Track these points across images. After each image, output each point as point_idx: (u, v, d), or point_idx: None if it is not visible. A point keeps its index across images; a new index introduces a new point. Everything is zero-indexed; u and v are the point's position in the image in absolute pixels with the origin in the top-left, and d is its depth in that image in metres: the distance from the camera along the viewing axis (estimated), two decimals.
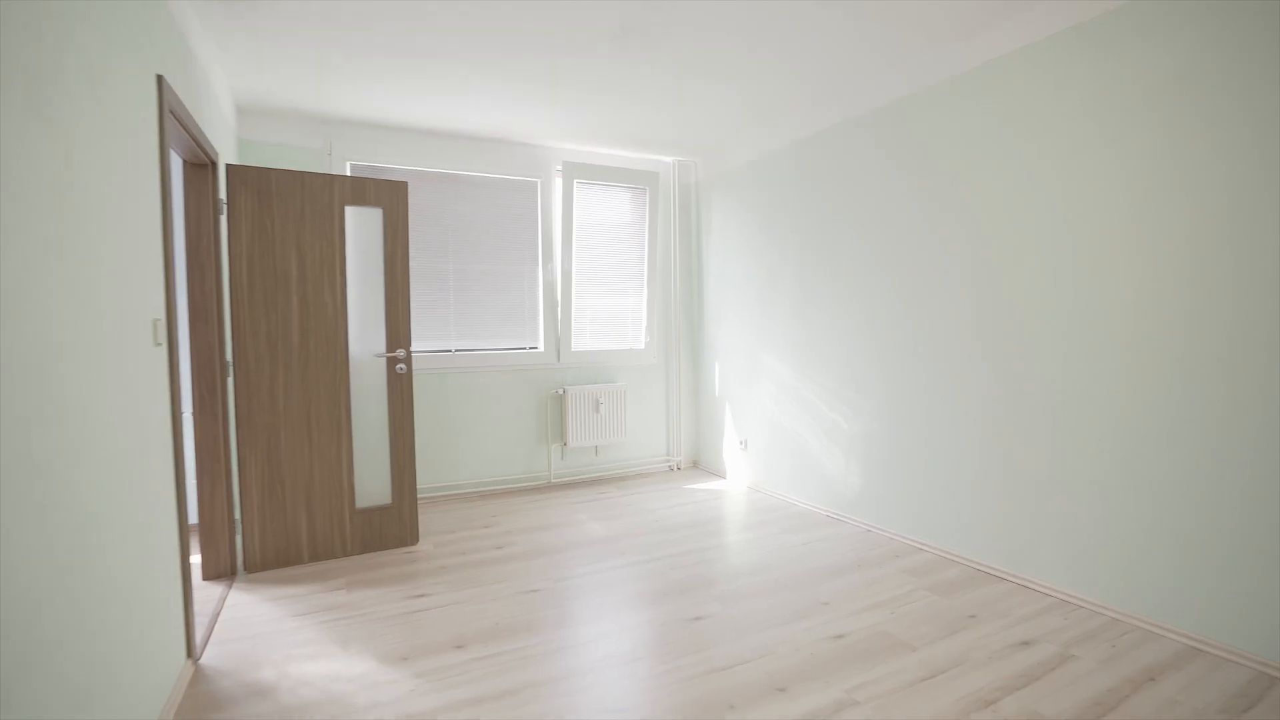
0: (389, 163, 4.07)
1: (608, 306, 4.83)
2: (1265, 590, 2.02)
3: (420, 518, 3.82)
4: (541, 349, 4.60)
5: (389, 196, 3.23)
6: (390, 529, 3.29)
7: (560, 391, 4.59)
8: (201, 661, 2.16)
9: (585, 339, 4.75)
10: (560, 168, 4.51)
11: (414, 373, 4.10)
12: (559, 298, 4.59)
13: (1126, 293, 2.35)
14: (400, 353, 3.29)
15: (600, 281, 4.78)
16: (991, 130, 2.79)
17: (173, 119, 2.16)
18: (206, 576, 2.89)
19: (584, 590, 2.76)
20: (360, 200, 3.17)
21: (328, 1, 2.42)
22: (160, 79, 1.99)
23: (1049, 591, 2.62)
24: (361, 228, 3.23)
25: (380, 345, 3.29)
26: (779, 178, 4.12)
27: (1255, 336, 2.01)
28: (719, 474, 4.88)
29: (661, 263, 4.99)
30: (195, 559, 2.95)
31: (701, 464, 5.14)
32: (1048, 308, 2.61)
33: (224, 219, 2.91)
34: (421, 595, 2.71)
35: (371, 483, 3.29)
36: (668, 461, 5.09)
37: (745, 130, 4.13)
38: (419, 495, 4.17)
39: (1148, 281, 2.28)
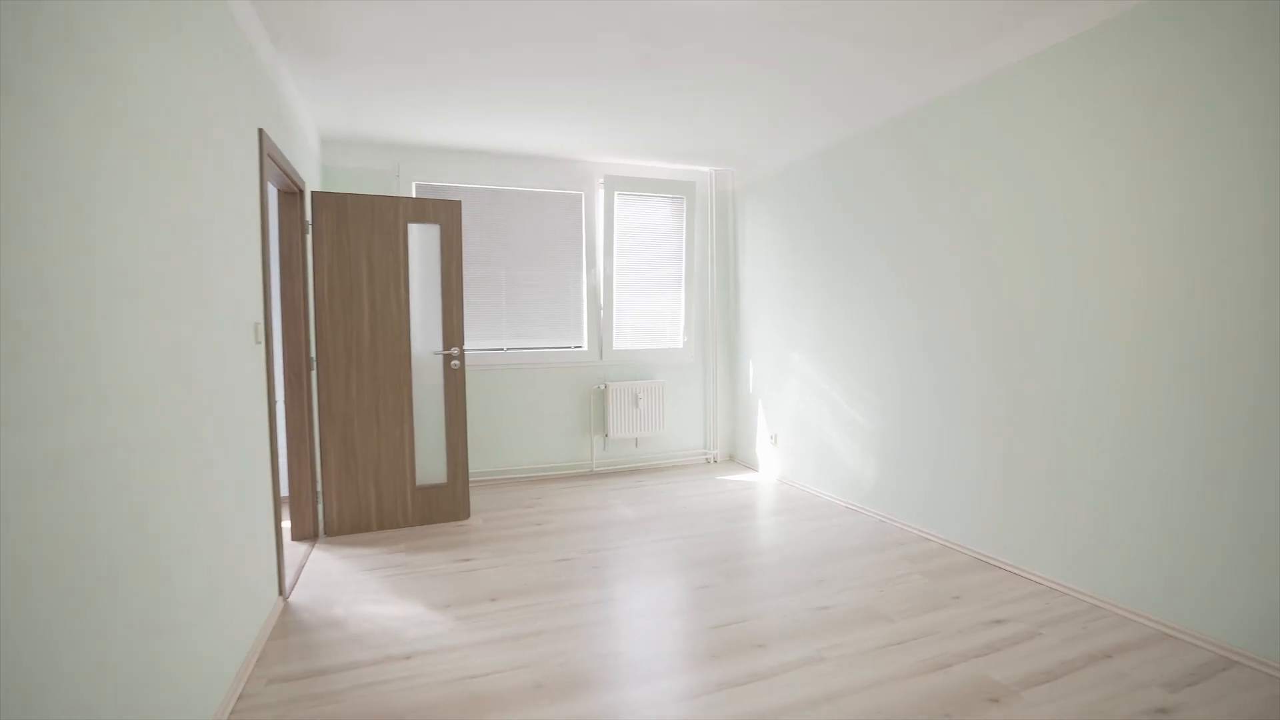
0: (449, 181, 4.57)
1: (647, 308, 5.18)
2: (1237, 579, 2.12)
3: (472, 497, 4.30)
4: (585, 348, 5.00)
5: (445, 214, 3.70)
6: (445, 505, 3.77)
7: (602, 387, 4.98)
8: (290, 599, 2.67)
9: (626, 338, 5.12)
10: (602, 180, 4.89)
11: (469, 369, 4.60)
12: (601, 300, 4.97)
13: (1124, 294, 2.43)
14: (454, 350, 3.76)
15: (640, 285, 5.13)
16: (995, 136, 2.93)
17: (270, 160, 2.67)
18: (295, 538, 3.44)
19: (607, 562, 3.12)
20: (421, 218, 3.65)
21: (397, 50, 2.89)
22: (261, 132, 2.48)
23: (1039, 580, 2.77)
24: (422, 241, 3.71)
25: (438, 344, 3.76)
26: (804, 186, 4.35)
27: (1249, 338, 2.07)
28: (752, 467, 5.14)
29: (699, 266, 5.29)
30: (287, 524, 3.52)
31: (737, 458, 5.40)
32: (1048, 309, 2.73)
33: (309, 237, 3.44)
34: (467, 560, 3.15)
35: (430, 464, 3.77)
36: (704, 454, 5.39)
37: (771, 142, 4.38)
38: (472, 478, 4.66)
39: (1145, 281, 2.35)
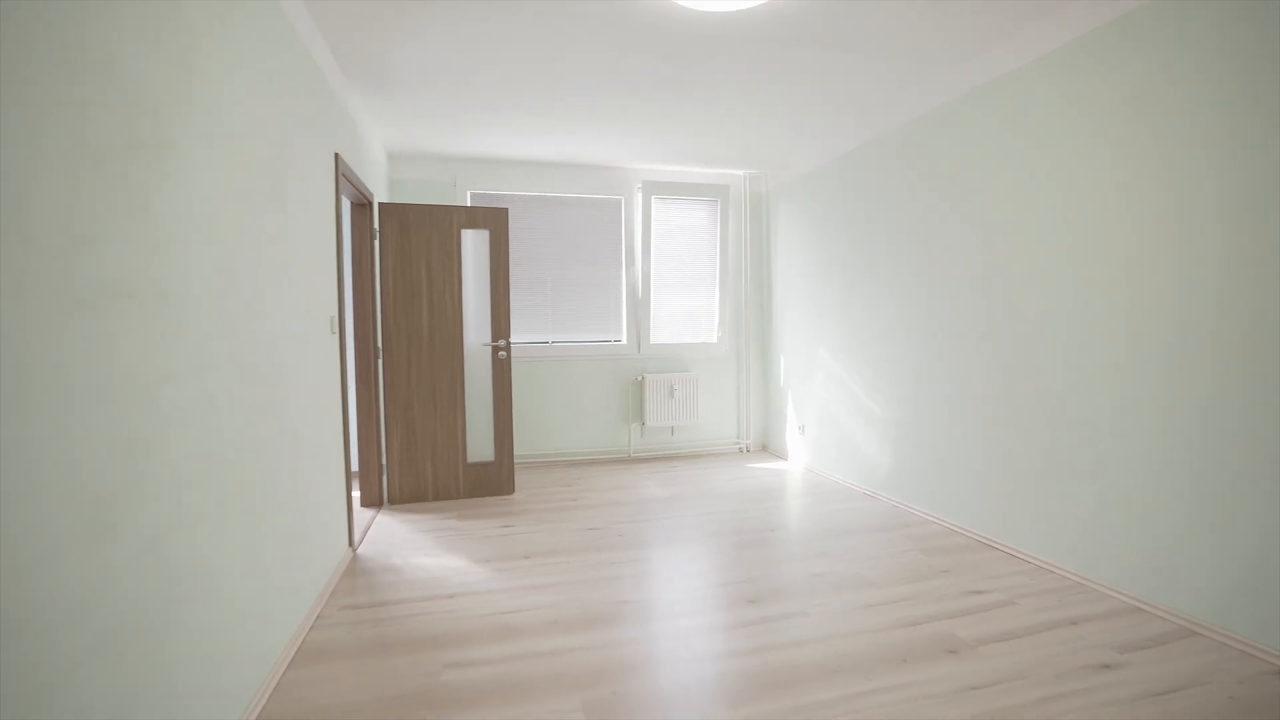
0: (501, 189, 5.02)
1: (683, 304, 5.50)
2: (1210, 560, 2.27)
3: (517, 476, 4.74)
4: (624, 341, 5.37)
5: (494, 220, 4.13)
6: (492, 480, 4.21)
7: (640, 378, 5.33)
8: (358, 550, 3.16)
9: (662, 333, 5.45)
10: (640, 185, 5.24)
11: (517, 360, 5.05)
12: (640, 297, 5.33)
13: (1121, 295, 2.53)
14: (502, 342, 4.19)
15: (676, 282, 5.45)
16: (996, 138, 3.09)
17: (344, 179, 3.15)
18: (364, 504, 3.96)
19: (632, 531, 3.47)
20: (472, 224, 4.10)
21: (450, 76, 3.32)
22: (336, 156, 2.96)
23: (1031, 560, 2.94)
24: (474, 244, 4.16)
25: (487, 336, 4.21)
26: (827, 188, 4.57)
27: (1242, 339, 2.14)
28: (782, 456, 5.38)
29: (733, 265, 5.56)
30: (357, 493, 4.04)
31: (769, 447, 5.65)
32: (1048, 308, 2.86)
33: (377, 243, 3.94)
34: (508, 526, 3.57)
35: (479, 444, 4.22)
36: (737, 444, 5.67)
37: (796, 147, 4.62)
38: (518, 460, 5.11)
39: (1142, 284, 2.45)
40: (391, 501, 4.03)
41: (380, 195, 4.32)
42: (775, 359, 5.48)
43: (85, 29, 1.15)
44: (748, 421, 5.65)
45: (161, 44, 1.42)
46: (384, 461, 4.08)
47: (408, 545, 3.26)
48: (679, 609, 2.52)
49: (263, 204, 2.03)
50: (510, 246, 4.92)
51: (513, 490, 4.28)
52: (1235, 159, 2.16)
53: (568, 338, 5.25)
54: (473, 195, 5.00)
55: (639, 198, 5.27)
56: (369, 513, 3.82)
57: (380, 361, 4.01)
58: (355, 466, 4.30)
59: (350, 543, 3.13)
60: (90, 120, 1.17)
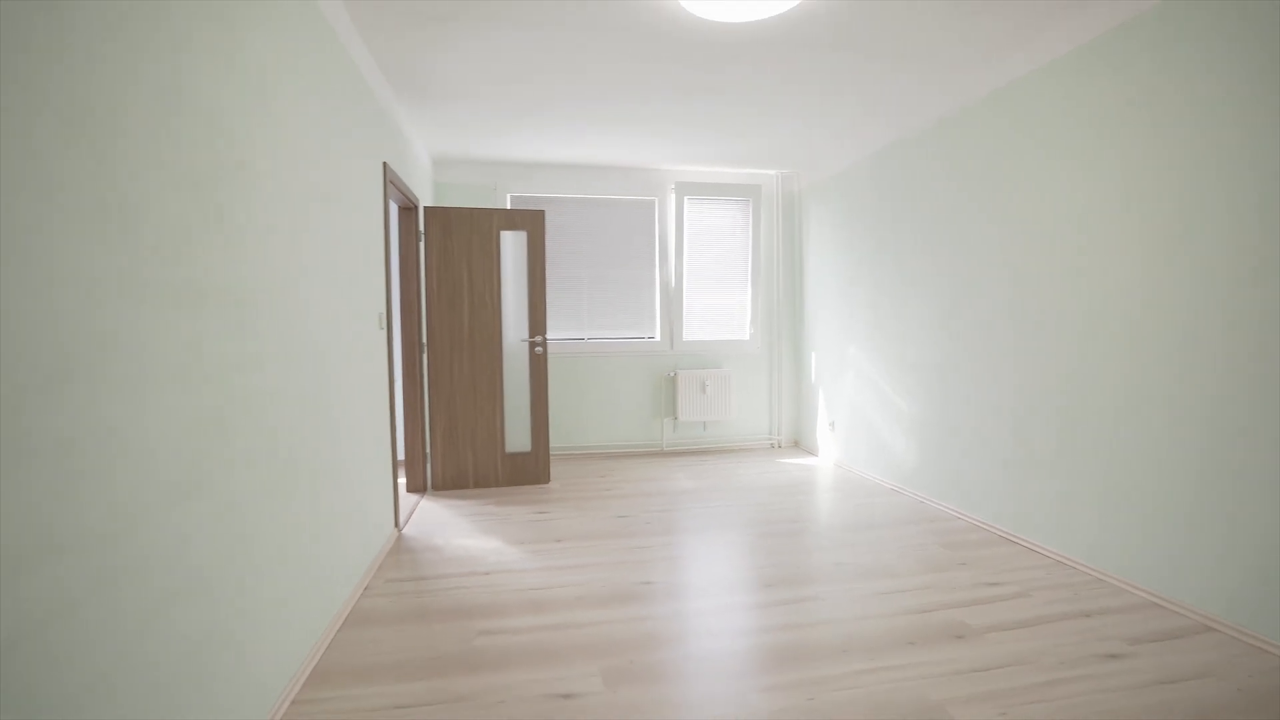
0: (539, 192, 5.23)
1: (716, 302, 5.61)
2: (1226, 557, 2.27)
3: (553, 467, 4.94)
4: (658, 338, 5.51)
5: (531, 222, 4.33)
6: (529, 469, 4.42)
7: (672, 374, 5.47)
8: (403, 531, 3.40)
9: (695, 330, 5.57)
10: (674, 187, 5.37)
11: (554, 356, 5.25)
12: (673, 295, 5.46)
13: (1129, 298, 2.56)
14: (538, 338, 4.39)
15: (709, 280, 5.57)
16: (1009, 139, 3.12)
17: (391, 185, 3.39)
18: (409, 490, 4.22)
19: (660, 520, 3.61)
20: (511, 226, 4.31)
21: (489, 86, 3.53)
22: (385, 165, 3.19)
23: (1051, 555, 2.96)
24: (513, 245, 4.37)
25: (525, 332, 4.41)
26: (857, 188, 4.61)
27: (1249, 340, 2.16)
28: (813, 452, 5.44)
29: (765, 264, 5.64)
30: (403, 480, 4.30)
31: (801, 444, 5.71)
32: (1062, 308, 2.89)
33: (422, 245, 4.19)
34: (543, 513, 3.76)
35: (517, 435, 4.43)
36: (769, 440, 5.75)
37: (825, 149, 4.67)
38: (554, 451, 5.31)
39: (1150, 288, 2.48)
40: (434, 487, 4.28)
41: (425, 199, 4.58)
42: (807, 356, 5.54)
43: (180, 69, 1.37)
44: (779, 417, 5.73)
45: (238, 76, 1.64)
46: (428, 450, 4.33)
47: (449, 527, 3.49)
48: (700, 590, 2.65)
49: (319, 212, 2.26)
50: (547, 246, 5.13)
51: (548, 479, 4.48)
52: (1241, 159, 2.18)
53: (603, 334, 5.43)
54: (513, 198, 5.23)
55: (672, 198, 5.41)
56: (414, 497, 4.08)
57: (424, 356, 4.26)
58: (401, 454, 4.58)
59: (396, 524, 3.37)
60: (182, 146, 1.38)
